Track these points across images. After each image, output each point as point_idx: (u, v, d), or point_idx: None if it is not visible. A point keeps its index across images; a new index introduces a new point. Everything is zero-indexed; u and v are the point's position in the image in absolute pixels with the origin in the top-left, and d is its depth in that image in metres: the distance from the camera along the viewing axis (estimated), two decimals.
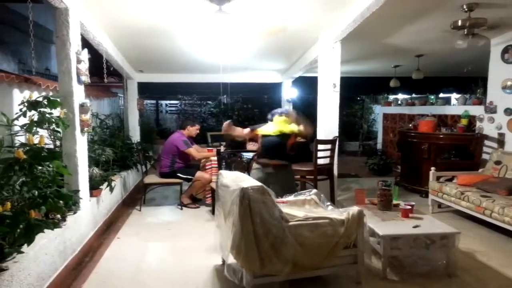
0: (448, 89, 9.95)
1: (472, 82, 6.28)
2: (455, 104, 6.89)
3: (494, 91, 4.98)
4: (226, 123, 3.87)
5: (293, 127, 3.69)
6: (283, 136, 3.67)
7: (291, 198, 3.24)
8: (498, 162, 4.52)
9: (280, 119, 3.73)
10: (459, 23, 3.71)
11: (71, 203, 3.02)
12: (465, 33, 3.78)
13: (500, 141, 4.85)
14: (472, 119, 5.57)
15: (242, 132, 3.96)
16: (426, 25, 4.27)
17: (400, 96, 9.92)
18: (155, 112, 12.11)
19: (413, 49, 5.74)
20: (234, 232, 2.43)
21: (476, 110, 5.46)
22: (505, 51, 4.77)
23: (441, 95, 10.04)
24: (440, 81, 9.31)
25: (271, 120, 3.78)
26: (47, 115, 2.82)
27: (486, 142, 5.08)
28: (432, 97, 8.71)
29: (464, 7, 3.54)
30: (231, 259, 2.56)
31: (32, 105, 2.78)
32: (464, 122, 5.59)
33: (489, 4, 3.53)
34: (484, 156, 5.05)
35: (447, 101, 7.61)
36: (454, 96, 9.23)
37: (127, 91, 7.61)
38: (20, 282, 2.16)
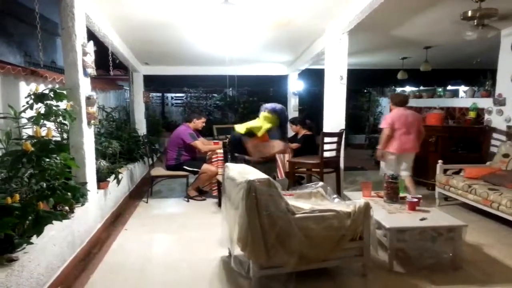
0: (456, 82, 9.82)
1: (481, 74, 6.19)
2: (463, 97, 6.80)
3: (503, 83, 4.91)
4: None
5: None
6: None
7: (297, 190, 3.24)
8: (506, 155, 4.47)
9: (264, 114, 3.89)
10: (469, 13, 3.63)
11: (78, 195, 3.04)
12: (475, 24, 3.71)
13: (509, 133, 4.79)
14: (480, 112, 5.50)
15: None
16: (436, 16, 4.20)
17: (408, 89, 9.82)
18: (161, 105, 12.13)
19: (421, 41, 5.67)
20: (241, 224, 2.44)
21: (485, 103, 5.39)
22: None
23: (449, 87, 9.91)
24: (448, 73, 9.20)
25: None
26: (53, 107, 2.83)
27: (494, 135, 5.03)
28: (440, 89, 8.59)
29: None
30: (237, 251, 2.57)
31: (39, 97, 2.79)
32: (472, 114, 5.53)
33: None
34: (492, 149, 5.00)
35: (455, 94, 7.51)
36: (462, 89, 9.11)
37: (133, 84, 7.62)
38: (30, 272, 2.19)
